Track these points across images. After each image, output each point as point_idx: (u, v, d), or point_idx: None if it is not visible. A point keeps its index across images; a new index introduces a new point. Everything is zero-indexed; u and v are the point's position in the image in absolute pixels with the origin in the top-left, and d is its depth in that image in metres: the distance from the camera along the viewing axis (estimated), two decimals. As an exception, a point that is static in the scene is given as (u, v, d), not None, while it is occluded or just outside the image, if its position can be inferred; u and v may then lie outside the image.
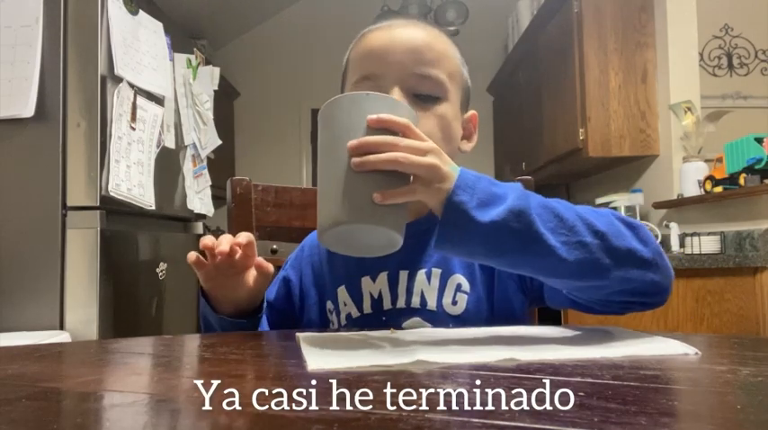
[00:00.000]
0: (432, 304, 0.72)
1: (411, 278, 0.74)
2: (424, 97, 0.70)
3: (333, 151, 0.54)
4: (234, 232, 0.96)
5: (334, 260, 0.81)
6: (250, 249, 0.68)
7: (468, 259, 0.59)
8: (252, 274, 0.70)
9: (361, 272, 0.77)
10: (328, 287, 0.80)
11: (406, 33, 0.71)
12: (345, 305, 0.77)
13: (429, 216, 0.76)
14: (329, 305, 0.80)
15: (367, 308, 0.75)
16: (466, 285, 0.72)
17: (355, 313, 0.76)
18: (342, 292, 0.78)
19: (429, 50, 0.70)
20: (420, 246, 0.75)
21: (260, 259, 0.70)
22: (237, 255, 0.67)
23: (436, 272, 0.73)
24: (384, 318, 0.74)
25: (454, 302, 0.72)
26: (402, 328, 0.70)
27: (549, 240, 0.53)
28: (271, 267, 0.70)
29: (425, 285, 0.73)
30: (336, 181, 0.52)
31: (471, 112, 0.80)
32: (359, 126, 0.53)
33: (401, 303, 0.73)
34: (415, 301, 0.73)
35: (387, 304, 0.74)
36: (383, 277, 0.75)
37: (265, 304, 0.78)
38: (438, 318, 0.71)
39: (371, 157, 0.51)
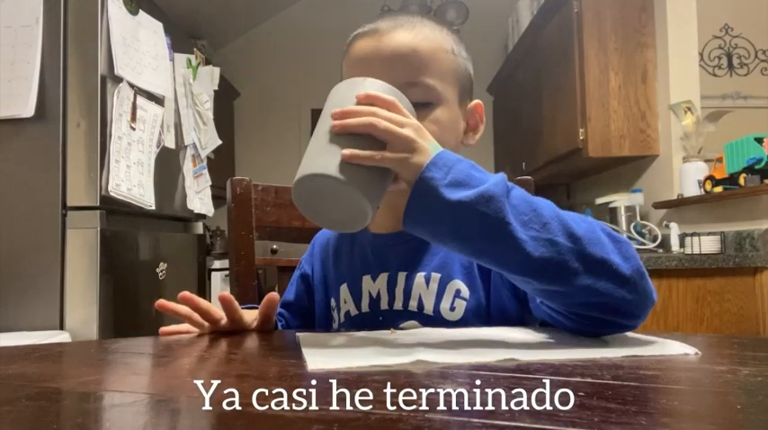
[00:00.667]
0: (429, 308, 0.71)
1: (409, 280, 0.73)
2: (414, 104, 0.66)
3: (322, 122, 0.56)
4: (234, 232, 0.96)
5: (340, 258, 0.82)
6: (229, 313, 0.69)
7: (434, 241, 0.56)
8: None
9: (363, 270, 0.77)
10: (333, 285, 0.81)
11: (392, 41, 0.69)
12: (345, 303, 0.78)
13: None
14: (332, 303, 0.80)
15: (365, 307, 0.76)
16: (465, 291, 0.71)
17: (354, 311, 0.76)
18: (344, 290, 0.78)
19: (416, 57, 0.68)
20: (421, 249, 0.74)
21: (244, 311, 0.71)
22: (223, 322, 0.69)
23: (435, 276, 0.72)
24: (381, 318, 0.74)
25: (452, 308, 0.71)
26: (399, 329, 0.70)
27: (515, 231, 0.51)
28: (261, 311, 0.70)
29: (423, 289, 0.72)
30: (317, 141, 0.55)
31: (475, 102, 0.77)
32: (349, 102, 0.56)
33: (398, 305, 0.73)
34: (413, 305, 0.72)
35: (384, 305, 0.74)
36: (383, 278, 0.75)
37: (278, 310, 0.80)
38: (434, 322, 0.70)
39: (349, 120, 0.53)
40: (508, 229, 0.51)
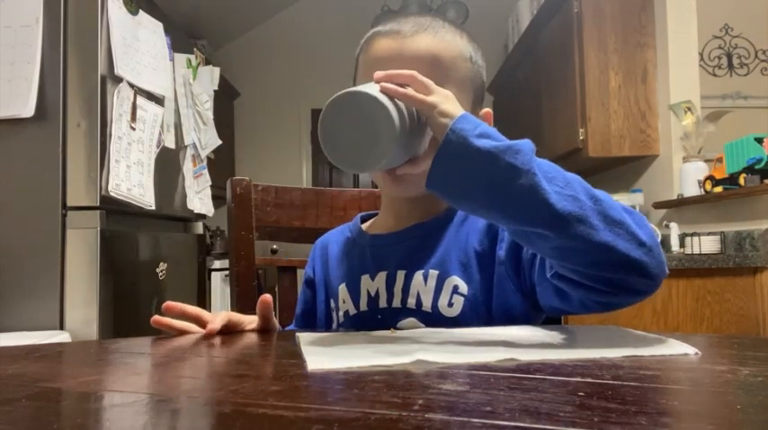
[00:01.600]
0: (427, 305, 0.72)
1: (408, 278, 0.73)
2: None
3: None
4: (234, 232, 0.96)
5: (339, 259, 0.82)
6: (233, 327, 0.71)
7: (457, 195, 0.57)
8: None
9: (361, 270, 0.77)
10: (332, 285, 0.81)
11: (414, 45, 0.69)
12: (344, 302, 0.78)
13: (431, 220, 0.77)
14: (332, 303, 0.81)
15: (363, 306, 0.76)
16: (463, 287, 0.71)
17: (352, 311, 0.76)
18: (342, 290, 0.78)
19: (437, 64, 0.69)
20: (420, 248, 0.75)
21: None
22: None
23: (433, 273, 0.73)
24: (379, 316, 0.74)
25: (450, 304, 0.71)
26: (398, 328, 0.70)
27: (541, 182, 0.53)
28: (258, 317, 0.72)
29: (422, 286, 0.72)
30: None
31: (485, 110, 0.77)
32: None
33: (397, 303, 0.73)
34: (411, 302, 0.73)
35: (382, 303, 0.74)
36: (382, 276, 0.75)
37: (291, 326, 0.82)
38: (433, 319, 0.71)
39: (392, 71, 0.58)
40: (535, 180, 0.53)
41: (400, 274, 0.74)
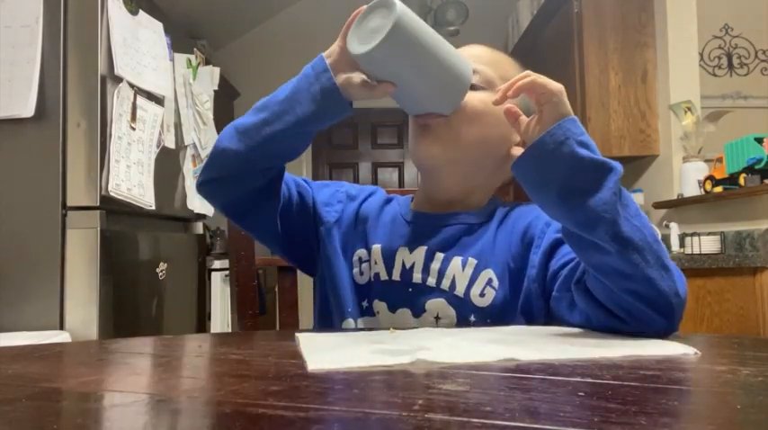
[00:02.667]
0: (460, 290, 0.74)
1: (446, 261, 0.75)
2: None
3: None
4: (234, 232, 0.96)
5: (379, 218, 0.83)
6: None
7: (538, 182, 0.62)
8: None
9: (400, 241, 0.78)
10: (367, 237, 0.81)
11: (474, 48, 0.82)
12: (376, 264, 0.78)
13: (474, 212, 0.79)
14: (362, 253, 0.80)
15: (396, 275, 0.77)
16: (496, 281, 0.74)
17: (384, 277, 0.77)
18: (376, 250, 0.79)
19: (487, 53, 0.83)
20: (463, 235, 0.77)
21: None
22: None
23: (472, 262, 0.75)
24: (410, 289, 0.75)
25: (482, 294, 0.73)
26: (423, 307, 0.74)
27: (615, 202, 0.58)
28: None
29: (459, 271, 0.74)
30: None
31: None
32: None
33: (431, 282, 0.75)
34: (445, 284, 0.74)
35: (416, 278, 0.76)
36: (421, 251, 0.76)
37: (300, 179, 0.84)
38: (463, 305, 0.73)
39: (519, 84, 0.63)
40: (614, 197, 0.58)
41: (439, 255, 0.76)
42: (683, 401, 0.38)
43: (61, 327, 1.57)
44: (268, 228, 0.80)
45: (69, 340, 1.51)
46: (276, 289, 1.02)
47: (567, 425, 0.31)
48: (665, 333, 0.60)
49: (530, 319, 0.73)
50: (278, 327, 1.16)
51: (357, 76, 0.70)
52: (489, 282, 0.74)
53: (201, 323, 2.38)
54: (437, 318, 0.74)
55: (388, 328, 0.65)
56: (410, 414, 0.33)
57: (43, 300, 1.57)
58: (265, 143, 0.71)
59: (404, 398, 0.36)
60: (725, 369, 0.46)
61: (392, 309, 0.75)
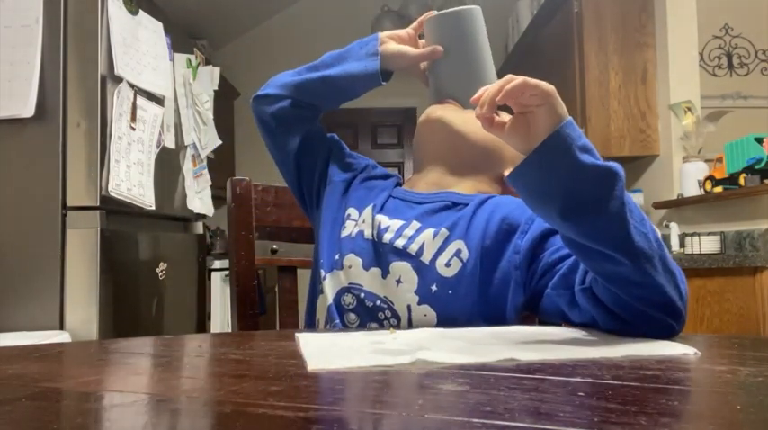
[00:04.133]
0: (426, 257, 0.75)
1: (420, 230, 0.77)
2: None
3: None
4: (234, 232, 0.96)
5: (381, 189, 0.86)
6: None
7: (538, 193, 0.59)
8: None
9: (382, 209, 0.81)
10: (361, 200, 0.85)
11: None
12: (363, 222, 0.81)
13: (462, 194, 0.81)
14: (351, 211, 0.84)
15: (371, 234, 0.79)
16: (465, 253, 0.74)
17: (367, 236, 0.79)
18: (367, 212, 0.82)
19: None
20: (444, 210, 0.79)
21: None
22: None
23: (444, 232, 0.75)
24: (381, 249, 0.77)
25: (448, 265, 0.74)
26: (388, 269, 0.75)
27: (626, 213, 0.56)
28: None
29: (429, 239, 0.76)
30: None
31: None
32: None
33: (399, 244, 0.76)
34: (413, 248, 0.75)
35: (386, 238, 0.77)
36: (398, 222, 0.79)
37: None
38: (427, 272, 0.74)
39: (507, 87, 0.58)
40: (623, 209, 0.56)
41: (415, 224, 0.78)
42: (683, 401, 0.38)
43: (61, 327, 1.57)
44: (292, 150, 0.92)
45: (69, 340, 1.51)
46: (276, 289, 1.02)
47: (567, 425, 0.31)
48: (672, 335, 0.60)
49: (496, 303, 0.72)
50: (278, 327, 1.16)
51: (394, 45, 0.82)
52: (458, 252, 0.74)
53: (201, 323, 2.38)
54: (398, 281, 0.74)
55: (389, 329, 0.65)
56: (410, 414, 0.33)
57: (43, 299, 1.57)
58: (308, 83, 0.86)
59: (404, 398, 0.36)
60: (725, 369, 0.46)
61: (366, 267, 0.77)
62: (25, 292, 1.57)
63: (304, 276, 1.02)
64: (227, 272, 2.96)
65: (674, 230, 2.33)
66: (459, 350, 0.52)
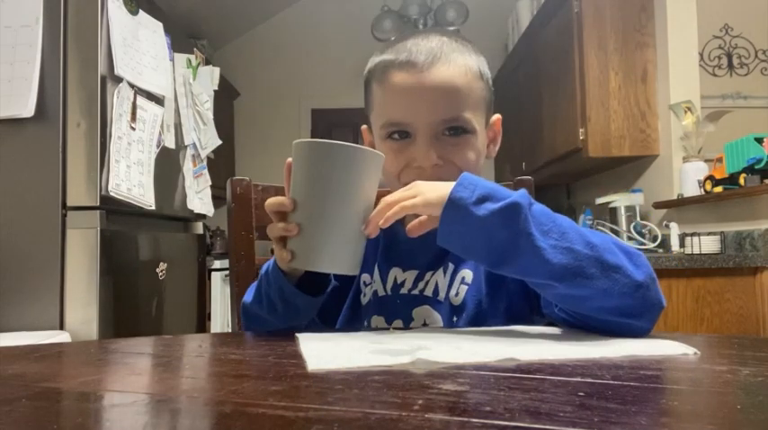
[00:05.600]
0: (441, 295, 0.76)
1: (432, 273, 0.78)
2: (453, 136, 0.73)
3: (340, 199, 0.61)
4: (234, 232, 0.96)
5: (376, 240, 0.84)
6: None
7: (464, 253, 0.60)
8: None
9: (395, 261, 0.81)
10: (367, 261, 0.82)
11: (433, 78, 0.71)
12: (375, 282, 0.81)
13: None
14: (365, 277, 0.84)
15: (388, 289, 0.80)
16: (469, 277, 0.76)
17: (381, 292, 0.80)
18: (376, 271, 0.82)
19: (456, 94, 0.72)
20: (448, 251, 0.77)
21: None
22: None
23: (451, 267, 0.77)
24: (398, 301, 0.78)
25: (456, 294, 0.75)
26: (411, 316, 0.76)
27: (537, 241, 0.55)
28: None
29: (441, 278, 0.77)
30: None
31: (495, 117, 0.82)
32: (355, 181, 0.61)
33: (416, 291, 0.78)
34: (428, 291, 0.77)
35: (404, 290, 0.79)
36: (413, 273, 0.80)
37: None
38: (444, 308, 0.75)
39: (379, 219, 0.59)
40: (530, 240, 0.55)
41: (428, 274, 0.79)
42: (683, 401, 0.38)
43: (61, 327, 1.57)
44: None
45: (69, 340, 1.51)
46: (276, 289, 1.02)
47: (567, 425, 0.31)
48: (651, 323, 0.59)
49: (512, 317, 0.73)
50: (278, 327, 1.15)
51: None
52: (463, 280, 0.76)
53: (201, 323, 2.39)
54: (425, 324, 0.76)
55: (389, 329, 0.65)
56: (410, 414, 0.33)
57: (43, 299, 1.57)
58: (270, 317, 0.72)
59: (404, 398, 0.36)
60: (725, 369, 0.46)
61: (388, 321, 0.78)
62: (25, 292, 1.57)
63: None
64: (227, 272, 2.96)
65: (674, 230, 2.33)
66: (460, 350, 0.52)
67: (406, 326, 0.76)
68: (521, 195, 0.57)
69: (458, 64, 0.73)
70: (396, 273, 0.81)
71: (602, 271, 0.56)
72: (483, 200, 0.56)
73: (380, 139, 0.76)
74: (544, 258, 0.55)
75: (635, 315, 0.58)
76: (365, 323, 0.81)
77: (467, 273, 0.76)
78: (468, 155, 0.73)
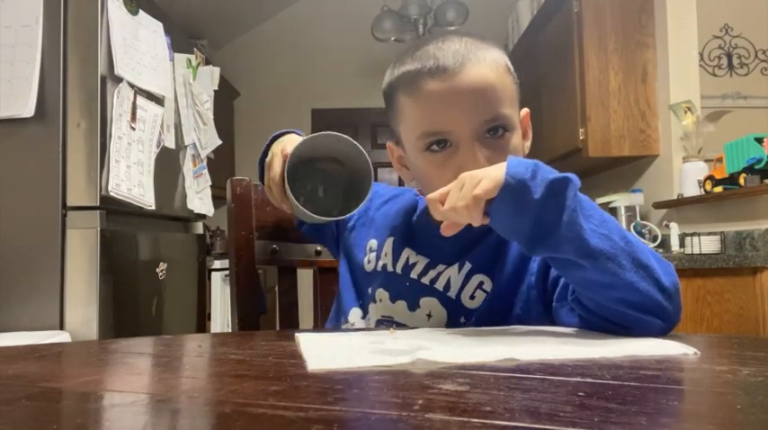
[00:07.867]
0: (452, 292, 0.76)
1: (447, 266, 0.77)
2: (494, 136, 0.70)
3: None
4: (234, 232, 0.96)
5: (401, 215, 0.85)
6: None
7: (513, 228, 0.59)
8: None
9: (410, 241, 0.81)
10: (382, 229, 0.85)
11: (467, 81, 0.68)
12: (386, 256, 0.81)
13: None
14: (373, 243, 0.84)
15: (398, 268, 0.80)
16: (488, 284, 0.75)
17: (390, 268, 0.80)
18: (388, 243, 0.82)
19: (493, 92, 0.69)
20: (469, 243, 0.77)
21: None
22: None
23: (467, 266, 0.76)
24: (408, 283, 0.78)
25: (472, 297, 0.75)
26: (418, 303, 0.76)
27: (579, 219, 0.57)
28: None
29: (454, 274, 0.76)
30: None
31: (524, 111, 0.79)
32: None
33: (426, 280, 0.77)
34: (439, 285, 0.77)
35: (414, 274, 0.78)
36: (425, 259, 0.79)
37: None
38: (454, 306, 0.75)
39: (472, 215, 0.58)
40: (574, 216, 0.56)
41: (441, 260, 0.78)
42: (682, 401, 0.38)
43: (61, 327, 1.57)
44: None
45: (69, 340, 1.51)
46: (276, 289, 1.02)
47: (567, 425, 0.31)
48: (666, 330, 0.60)
49: (528, 321, 0.73)
50: (278, 327, 1.16)
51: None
52: (480, 285, 0.75)
53: (201, 323, 2.38)
54: (429, 315, 0.76)
55: (389, 329, 0.65)
56: (410, 414, 0.33)
57: (43, 300, 1.57)
58: None
59: (404, 398, 0.36)
60: (725, 369, 0.46)
61: (392, 299, 0.78)
62: (25, 292, 1.57)
63: (304, 276, 1.02)
64: (227, 272, 2.95)
65: (674, 230, 2.33)
66: (460, 350, 0.52)
67: (411, 310, 0.76)
68: (574, 177, 0.58)
69: (486, 61, 0.70)
70: (408, 254, 0.80)
71: (633, 265, 0.58)
72: (533, 175, 0.56)
73: (417, 152, 0.73)
74: (583, 237, 0.56)
75: (654, 314, 0.59)
76: (369, 291, 0.81)
77: (485, 280, 0.75)
78: (512, 153, 0.70)
